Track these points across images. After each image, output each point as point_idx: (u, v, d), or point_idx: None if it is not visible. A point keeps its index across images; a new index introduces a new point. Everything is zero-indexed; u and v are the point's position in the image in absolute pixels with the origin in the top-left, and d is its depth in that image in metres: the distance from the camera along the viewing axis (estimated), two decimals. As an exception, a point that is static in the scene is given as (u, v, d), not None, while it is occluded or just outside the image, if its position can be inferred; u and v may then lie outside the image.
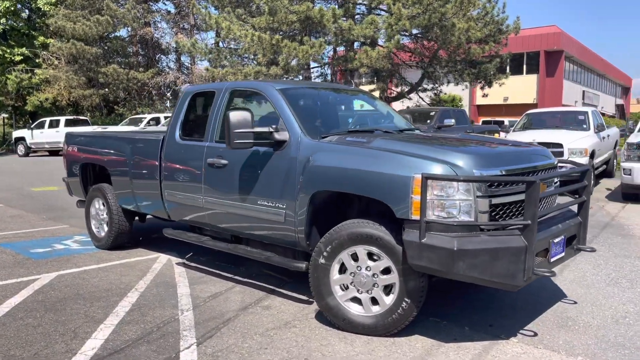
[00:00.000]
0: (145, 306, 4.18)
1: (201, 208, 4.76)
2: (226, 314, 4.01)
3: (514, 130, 12.97)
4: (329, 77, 22.17)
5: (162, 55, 31.94)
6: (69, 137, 6.79)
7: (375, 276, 3.49)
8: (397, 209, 3.25)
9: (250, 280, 4.89)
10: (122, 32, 30.41)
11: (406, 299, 3.39)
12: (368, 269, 3.50)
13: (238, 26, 17.94)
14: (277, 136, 4.03)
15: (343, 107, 4.80)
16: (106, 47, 28.40)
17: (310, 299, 4.33)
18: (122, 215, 5.99)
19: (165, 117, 23.53)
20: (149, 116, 23.49)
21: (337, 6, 16.32)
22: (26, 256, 5.83)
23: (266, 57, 17.50)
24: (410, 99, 21.53)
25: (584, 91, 49.54)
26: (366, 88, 22.86)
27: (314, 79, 22.42)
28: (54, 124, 24.69)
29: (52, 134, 24.61)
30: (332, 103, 4.86)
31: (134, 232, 6.16)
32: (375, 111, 5.19)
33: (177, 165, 5.01)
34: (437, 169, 3.19)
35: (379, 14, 18.87)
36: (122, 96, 28.56)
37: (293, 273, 4.93)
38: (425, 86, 20.47)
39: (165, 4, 64.78)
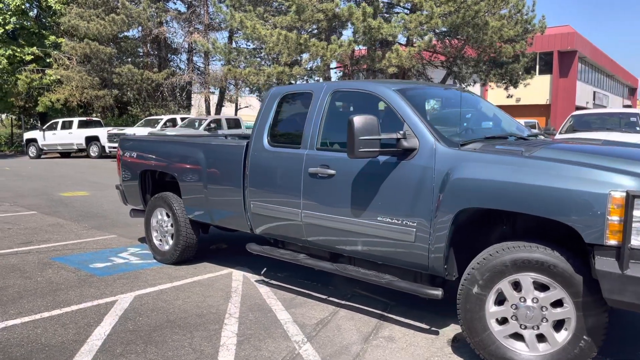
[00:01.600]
0: (253, 337, 3.69)
1: (298, 223, 4.27)
2: (350, 347, 3.52)
3: (560, 133, 12.50)
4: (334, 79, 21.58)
5: (173, 56, 31.49)
6: (125, 142, 6.30)
7: (544, 309, 3.00)
8: (586, 232, 2.76)
9: (350, 303, 4.40)
10: (134, 32, 29.94)
11: (585, 337, 2.90)
12: (535, 300, 3.01)
13: (260, 25, 17.45)
14: (406, 144, 3.54)
15: (468, 110, 4.32)
16: (119, 47, 27.87)
17: (433, 327, 3.86)
18: (190, 227, 5.50)
19: (182, 119, 23.05)
20: (165, 117, 22.98)
21: (366, 4, 15.76)
22: (88, 272, 5.34)
23: (291, 56, 17.02)
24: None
25: (594, 92, 49.11)
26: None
27: (334, 79, 21.95)
28: (66, 125, 24.22)
29: (64, 136, 24.16)
30: (455, 105, 4.38)
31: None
32: (486, 113, 4.70)
33: (267, 175, 4.52)
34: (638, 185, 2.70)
35: (397, 13, 18.42)
36: (136, 97, 28.03)
37: (396, 295, 4.45)
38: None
39: (175, 3, 64.36)
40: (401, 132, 3.57)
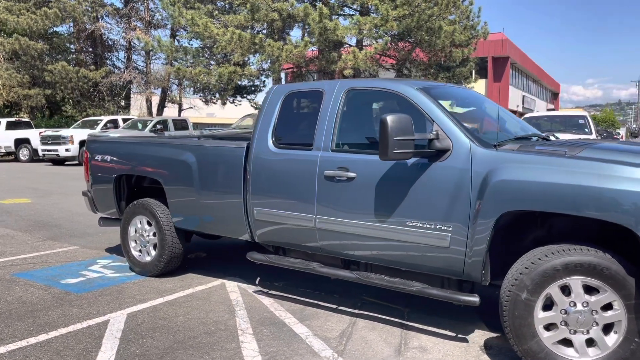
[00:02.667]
0: (278, 354, 3.39)
1: (310, 228, 4.02)
2: (386, 361, 3.32)
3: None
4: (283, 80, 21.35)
5: (110, 54, 29.98)
6: (94, 143, 5.76)
7: (595, 313, 2.93)
8: (646, 234, 2.71)
9: (364, 312, 4.19)
10: (67, 28, 28.20)
11: (637, 339, 2.86)
12: (585, 304, 2.94)
13: (212, 23, 16.90)
14: (439, 145, 3.39)
15: (485, 109, 4.23)
16: (51, 43, 26.14)
17: (459, 334, 3.73)
18: (176, 236, 5.08)
19: (124, 120, 21.94)
20: (105, 118, 21.75)
21: (322, 4, 15.65)
22: (62, 289, 4.79)
23: (244, 56, 16.59)
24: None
25: (523, 96, 51.84)
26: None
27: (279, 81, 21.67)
28: (-7, 127, 22.36)
29: (-9, 137, 22.29)
30: (478, 104, 4.27)
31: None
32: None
33: (273, 179, 4.23)
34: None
35: (351, 15, 18.49)
36: (70, 97, 26.38)
37: (407, 301, 4.30)
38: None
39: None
40: (433, 132, 3.41)
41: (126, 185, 5.60)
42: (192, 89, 28.72)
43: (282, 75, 22.04)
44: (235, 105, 31.08)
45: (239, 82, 22.02)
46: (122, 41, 29.17)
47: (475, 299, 3.34)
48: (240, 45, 16.11)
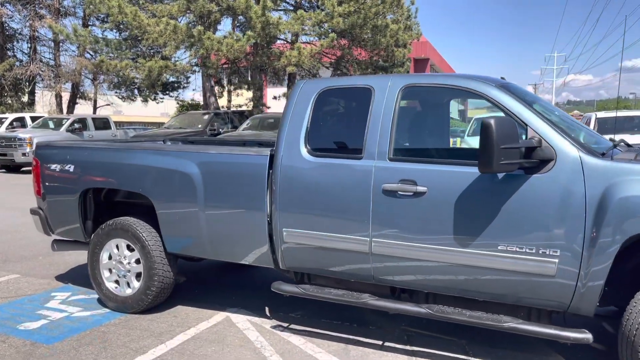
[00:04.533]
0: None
1: (364, 254, 3.32)
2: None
3: (467, 135, 12.93)
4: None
5: (10, 44, 26.81)
6: (49, 149, 4.63)
7: None
8: None
9: (419, 349, 3.57)
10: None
11: None
12: None
13: (139, 11, 15.41)
14: (541, 154, 2.84)
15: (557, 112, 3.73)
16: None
17: (545, 372, 3.23)
18: (167, 264, 4.16)
19: (33, 118, 19.59)
20: (10, 116, 19.29)
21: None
22: (25, 339, 3.70)
23: (178, 49, 15.32)
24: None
25: (440, 96, 53.83)
26: (276, 90, 21.62)
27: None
28: None
29: None
30: (550, 106, 3.76)
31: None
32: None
33: (309, 194, 3.48)
34: None
35: (292, 10, 17.79)
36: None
37: (456, 331, 3.75)
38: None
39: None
40: (535, 139, 2.86)
41: (93, 201, 4.54)
42: (106, 84, 26.53)
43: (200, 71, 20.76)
44: (157, 103, 29.17)
45: (166, 78, 20.50)
46: (25, 30, 26.26)
47: (587, 335, 2.83)
48: (174, 38, 14.80)
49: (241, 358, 3.43)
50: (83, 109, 29.36)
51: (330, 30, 15.08)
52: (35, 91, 27.17)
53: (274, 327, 3.98)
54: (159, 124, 39.85)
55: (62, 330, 3.90)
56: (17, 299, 4.62)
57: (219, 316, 4.21)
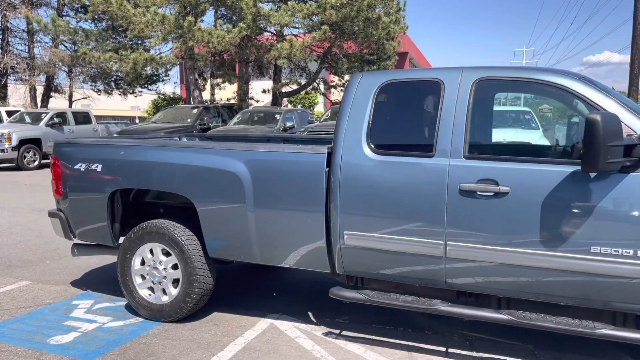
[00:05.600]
0: None
1: (437, 258, 3.14)
2: None
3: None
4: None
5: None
6: (73, 147, 4.30)
7: None
8: None
9: (489, 355, 3.41)
10: None
11: None
12: None
13: (124, 1, 14.83)
14: None
15: None
16: None
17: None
18: (208, 269, 3.90)
19: (8, 113, 18.78)
20: (-16, 110, 18.44)
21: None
22: (61, 355, 3.40)
23: (165, 40, 14.82)
24: (308, 93, 20.57)
25: (417, 90, 54.08)
26: (259, 83, 21.26)
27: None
28: None
29: None
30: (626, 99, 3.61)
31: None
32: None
33: (374, 195, 3.28)
34: None
35: (283, 2, 17.45)
36: None
37: (517, 334, 3.61)
38: (331, 82, 19.63)
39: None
40: (634, 136, 2.72)
41: (121, 203, 4.24)
42: (82, 77, 25.65)
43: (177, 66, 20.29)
44: (135, 96, 28.41)
45: (153, 71, 19.91)
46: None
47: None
48: (161, 29, 14.31)
49: (306, 370, 3.21)
50: (57, 102, 28.37)
51: (321, 23, 14.80)
52: (8, 84, 26.07)
53: (325, 334, 3.77)
54: (131, 119, 38.91)
55: (99, 343, 3.61)
56: (37, 309, 4.29)
57: (263, 323, 3.98)
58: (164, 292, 3.99)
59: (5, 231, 7.19)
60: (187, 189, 3.77)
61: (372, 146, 3.32)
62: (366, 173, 3.30)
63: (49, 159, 17.33)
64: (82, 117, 18.21)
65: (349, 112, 3.43)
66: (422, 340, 3.65)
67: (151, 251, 4.01)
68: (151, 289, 4.05)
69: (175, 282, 3.96)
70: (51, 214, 4.45)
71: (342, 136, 3.39)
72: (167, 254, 3.96)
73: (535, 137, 9.70)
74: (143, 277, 4.06)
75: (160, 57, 16.03)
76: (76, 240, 4.46)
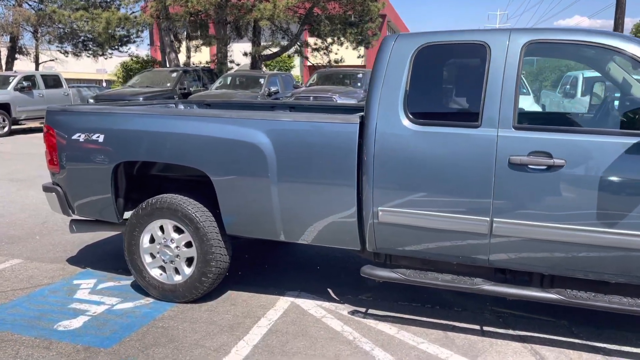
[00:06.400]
0: None
1: (481, 236, 2.96)
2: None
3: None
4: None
5: None
6: (70, 115, 3.91)
7: None
8: None
9: (530, 334, 3.29)
10: None
11: None
12: None
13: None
14: None
15: None
16: None
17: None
18: (224, 247, 3.65)
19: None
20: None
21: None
22: (75, 343, 3.14)
23: (138, 1, 14.00)
24: (290, 56, 19.98)
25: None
26: (238, 46, 20.51)
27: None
28: None
29: None
30: None
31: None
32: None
33: (413, 168, 3.05)
34: None
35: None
36: None
37: (551, 310, 3.50)
38: (314, 45, 19.05)
39: None
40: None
41: (124, 176, 3.91)
42: (47, 38, 24.33)
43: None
44: (106, 58, 27.19)
45: (119, 32, 18.95)
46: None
47: None
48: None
49: (340, 354, 3.04)
50: (22, 65, 26.97)
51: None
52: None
53: (351, 312, 3.60)
54: (98, 82, 37.30)
55: (113, 327, 3.35)
56: (36, 291, 3.98)
57: (283, 302, 3.78)
58: (177, 271, 3.74)
59: (-18, 204, 6.74)
60: (203, 161, 3.47)
61: (410, 115, 3.07)
62: (404, 144, 3.06)
63: (19, 124, 16.54)
64: (52, 81, 17.28)
65: (382, 78, 3.15)
66: (454, 318, 3.51)
67: (161, 228, 3.73)
68: (162, 268, 3.78)
69: (189, 260, 3.70)
70: (46, 188, 4.09)
71: (376, 104, 3.13)
72: (179, 231, 3.69)
73: (527, 103, 9.56)
74: (153, 256, 3.79)
75: (135, 17, 15.18)
76: (74, 216, 4.13)
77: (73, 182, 3.93)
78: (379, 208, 3.13)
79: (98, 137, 3.73)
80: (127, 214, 4.01)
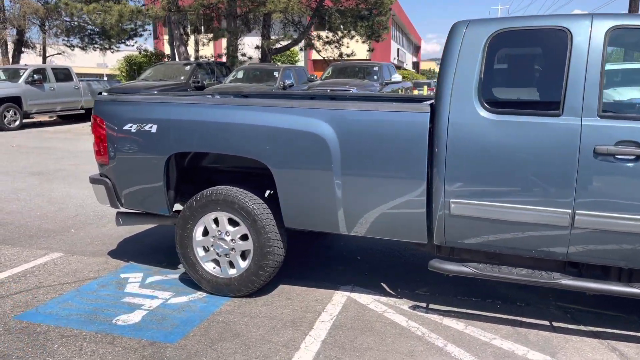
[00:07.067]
0: None
1: (562, 228, 2.87)
2: None
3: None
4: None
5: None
6: (120, 106, 3.81)
7: None
8: None
9: (603, 330, 3.21)
10: None
11: None
12: None
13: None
14: None
15: None
16: None
17: None
18: (280, 240, 3.56)
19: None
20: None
21: None
22: (140, 338, 3.05)
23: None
24: (302, 49, 19.85)
25: (398, 49, 53.33)
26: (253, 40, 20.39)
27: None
28: None
29: None
30: None
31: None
32: None
33: (490, 159, 2.95)
34: None
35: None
36: None
37: (615, 305, 3.42)
38: (326, 38, 18.91)
39: None
40: None
41: (175, 168, 3.82)
42: (54, 31, 24.18)
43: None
44: (112, 52, 27.00)
45: (130, 25, 18.79)
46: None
47: None
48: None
49: (414, 350, 2.95)
50: (29, 58, 26.79)
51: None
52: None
53: (412, 307, 3.51)
54: (99, 76, 37.03)
55: (173, 322, 3.27)
56: (85, 285, 3.89)
57: (339, 296, 3.69)
58: (231, 264, 3.65)
59: (11, 197, 6.65)
60: (263, 153, 3.37)
61: (486, 104, 2.97)
62: (479, 134, 2.96)
63: (30, 118, 16.43)
64: (63, 74, 17.17)
65: (455, 65, 3.04)
66: (518, 313, 3.43)
67: (215, 220, 3.63)
68: (216, 261, 3.69)
69: (243, 253, 3.61)
70: (94, 180, 3.99)
71: (449, 93, 3.03)
72: (234, 224, 3.59)
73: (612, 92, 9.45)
74: (205, 249, 3.70)
75: (147, 10, 15.04)
76: (122, 209, 4.04)
77: (123, 174, 3.83)
78: (451, 200, 3.04)
79: (151, 127, 3.63)
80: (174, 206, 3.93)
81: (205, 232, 3.68)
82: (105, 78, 35.68)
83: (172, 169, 3.79)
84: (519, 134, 2.90)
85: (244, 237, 3.58)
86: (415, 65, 71.69)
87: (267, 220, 3.49)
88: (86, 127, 15.70)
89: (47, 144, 11.85)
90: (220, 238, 3.62)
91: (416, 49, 76.44)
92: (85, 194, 6.72)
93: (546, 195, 2.86)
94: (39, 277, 4.04)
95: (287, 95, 5.18)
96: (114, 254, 4.61)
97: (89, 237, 5.05)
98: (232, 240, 3.60)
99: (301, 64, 33.31)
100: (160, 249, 4.72)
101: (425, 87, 16.49)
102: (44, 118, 17.81)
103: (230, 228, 3.60)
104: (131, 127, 3.69)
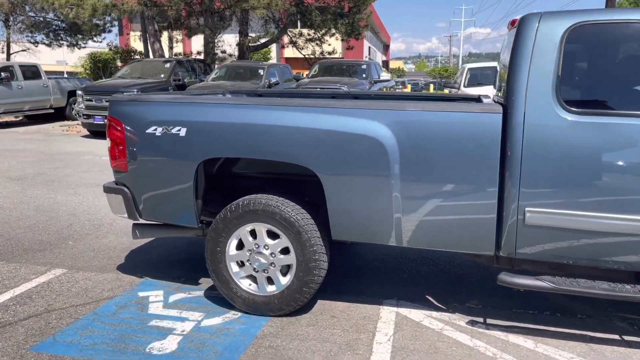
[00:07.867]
0: None
1: (649, 238, 2.66)
2: None
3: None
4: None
5: None
6: (142, 107, 3.42)
7: None
8: None
9: (671, 341, 3.03)
10: None
11: None
12: None
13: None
14: None
15: None
16: None
17: None
18: (325, 253, 3.24)
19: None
20: None
21: None
22: (180, 372, 2.68)
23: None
24: (284, 46, 19.47)
25: (369, 47, 53.37)
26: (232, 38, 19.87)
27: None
28: None
29: None
30: None
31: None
32: None
33: (571, 163, 2.71)
34: None
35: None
36: None
37: None
38: (308, 35, 18.56)
39: None
40: None
41: (203, 176, 3.45)
42: (17, 27, 23.01)
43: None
44: (79, 49, 25.92)
45: (104, 20, 18.02)
46: None
47: None
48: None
49: (493, 374, 2.69)
50: (-9, 55, 25.45)
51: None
52: None
53: (470, 323, 3.26)
54: (60, 74, 35.58)
55: (215, 349, 2.91)
56: (100, 307, 3.48)
57: (387, 313, 3.41)
58: (270, 281, 3.31)
59: (-5, 206, 6.10)
60: (311, 158, 3.04)
61: (565, 104, 2.73)
62: (558, 136, 2.72)
63: (-2, 118, 15.52)
64: (31, 72, 16.28)
65: (528, 63, 2.79)
66: (583, 327, 3.22)
67: (252, 233, 3.29)
68: (252, 277, 3.35)
69: (284, 270, 3.28)
70: (109, 189, 3.58)
71: (523, 92, 2.77)
72: (274, 236, 3.26)
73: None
74: (240, 264, 3.35)
75: (122, 4, 14.36)
76: (141, 221, 3.64)
77: (145, 182, 3.43)
78: (526, 209, 2.79)
79: (179, 130, 3.25)
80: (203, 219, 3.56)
81: (240, 246, 3.33)
82: (65, 75, 34.33)
83: (200, 176, 3.42)
84: (604, 136, 2.67)
85: (284, 251, 3.25)
86: (385, 63, 72.07)
87: (312, 232, 3.17)
88: (56, 127, 14.95)
89: (19, 146, 11.13)
90: (258, 252, 3.28)
91: (385, 48, 76.82)
92: (75, 201, 6.23)
93: (636, 202, 2.64)
94: (47, 298, 3.60)
95: (303, 94, 4.85)
96: (123, 268, 4.19)
97: (91, 250, 4.61)
98: (271, 254, 3.26)
99: (273, 62, 32.84)
100: (173, 262, 4.33)
101: (431, 86, 16.42)
102: (10, 118, 16.89)
103: (269, 241, 3.27)
104: (155, 130, 3.30)
